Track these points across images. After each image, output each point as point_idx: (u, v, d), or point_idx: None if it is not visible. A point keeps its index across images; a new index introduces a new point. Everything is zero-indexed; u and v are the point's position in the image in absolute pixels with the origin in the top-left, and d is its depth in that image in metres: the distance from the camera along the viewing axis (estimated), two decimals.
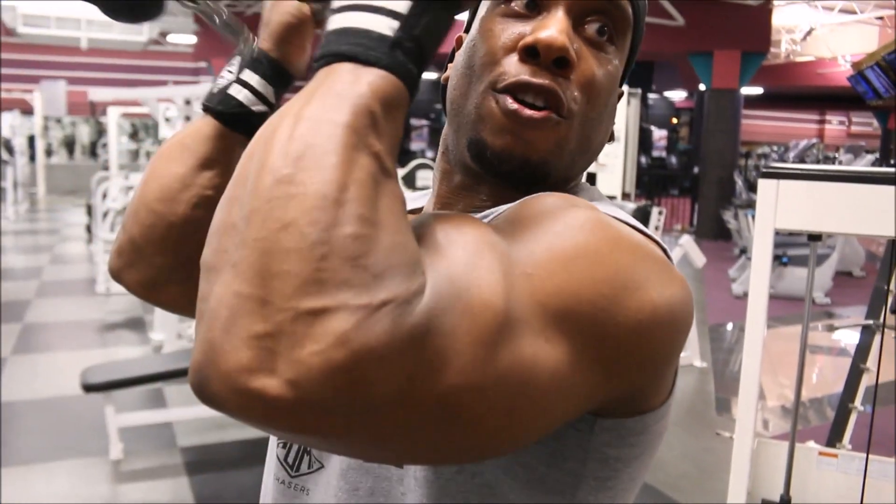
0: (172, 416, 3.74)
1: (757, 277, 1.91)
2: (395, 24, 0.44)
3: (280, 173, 0.39)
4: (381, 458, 0.51)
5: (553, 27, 0.57)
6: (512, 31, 0.60)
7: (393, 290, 0.38)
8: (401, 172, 8.86)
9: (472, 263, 0.43)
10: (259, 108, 0.71)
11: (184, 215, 0.70)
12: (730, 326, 6.15)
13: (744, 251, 7.56)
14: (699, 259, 5.01)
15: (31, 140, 14.86)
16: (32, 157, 15.05)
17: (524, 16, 0.60)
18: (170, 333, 4.65)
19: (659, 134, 16.55)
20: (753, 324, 1.92)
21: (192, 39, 13.66)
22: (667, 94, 17.33)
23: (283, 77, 0.72)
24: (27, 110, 14.72)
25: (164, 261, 0.71)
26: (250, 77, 0.71)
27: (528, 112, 0.57)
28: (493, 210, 0.61)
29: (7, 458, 3.36)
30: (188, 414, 3.65)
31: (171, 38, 14.23)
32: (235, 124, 0.71)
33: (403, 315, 0.38)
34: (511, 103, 0.57)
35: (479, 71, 0.60)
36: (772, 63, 13.18)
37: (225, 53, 12.09)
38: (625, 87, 0.68)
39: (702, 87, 11.42)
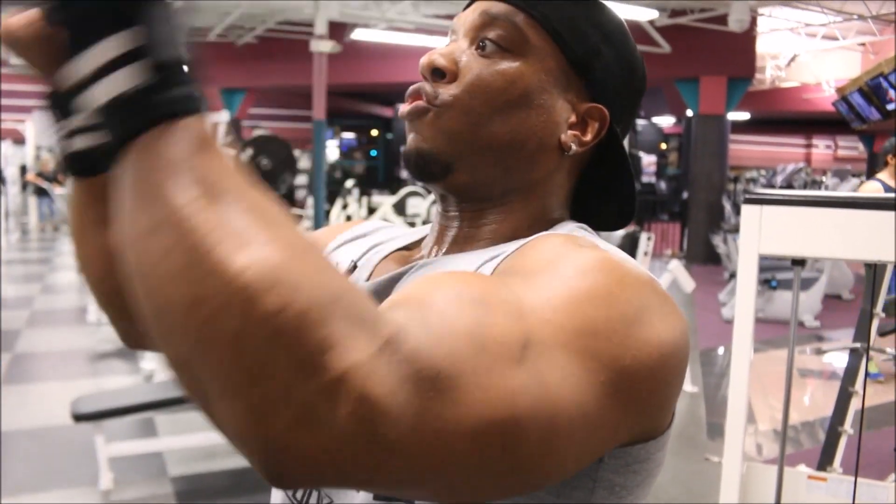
0: (163, 446, 3.72)
1: (742, 302, 1.93)
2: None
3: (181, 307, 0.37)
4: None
5: (436, 50, 0.68)
6: None
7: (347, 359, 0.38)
8: (391, 200, 8.80)
9: (482, 322, 0.45)
10: (85, 141, 0.60)
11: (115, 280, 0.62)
12: (721, 351, 6.16)
13: (733, 275, 7.59)
14: (688, 284, 5.03)
15: (23, 169, 14.84)
16: (24, 187, 15.02)
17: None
18: (161, 363, 4.62)
19: (648, 159, 16.67)
20: (740, 347, 1.94)
21: None
22: (655, 119, 17.49)
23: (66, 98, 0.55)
24: (19, 140, 14.72)
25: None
26: (66, 124, 0.59)
27: (404, 108, 0.67)
28: (498, 251, 0.63)
29: None
30: (179, 443, 3.63)
31: None
32: (91, 171, 0.63)
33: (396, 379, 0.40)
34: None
35: None
36: (758, 89, 13.36)
37: (217, 82, 12.03)
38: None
39: (689, 112, 11.54)
